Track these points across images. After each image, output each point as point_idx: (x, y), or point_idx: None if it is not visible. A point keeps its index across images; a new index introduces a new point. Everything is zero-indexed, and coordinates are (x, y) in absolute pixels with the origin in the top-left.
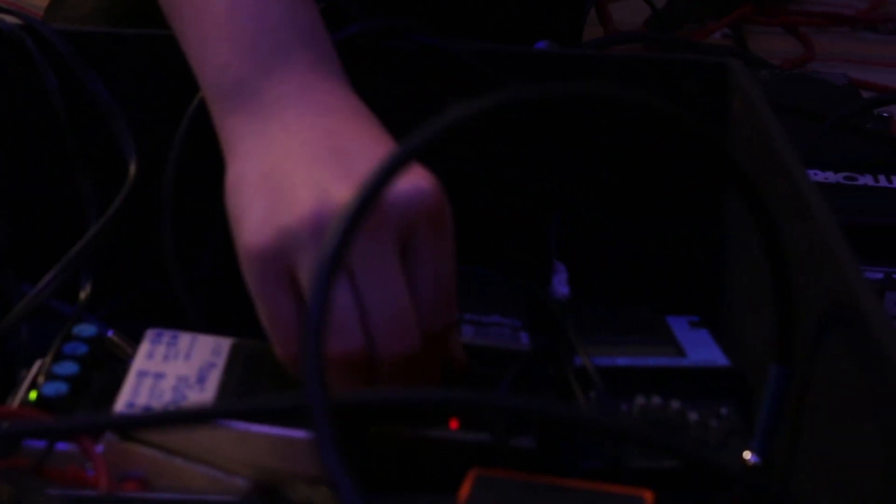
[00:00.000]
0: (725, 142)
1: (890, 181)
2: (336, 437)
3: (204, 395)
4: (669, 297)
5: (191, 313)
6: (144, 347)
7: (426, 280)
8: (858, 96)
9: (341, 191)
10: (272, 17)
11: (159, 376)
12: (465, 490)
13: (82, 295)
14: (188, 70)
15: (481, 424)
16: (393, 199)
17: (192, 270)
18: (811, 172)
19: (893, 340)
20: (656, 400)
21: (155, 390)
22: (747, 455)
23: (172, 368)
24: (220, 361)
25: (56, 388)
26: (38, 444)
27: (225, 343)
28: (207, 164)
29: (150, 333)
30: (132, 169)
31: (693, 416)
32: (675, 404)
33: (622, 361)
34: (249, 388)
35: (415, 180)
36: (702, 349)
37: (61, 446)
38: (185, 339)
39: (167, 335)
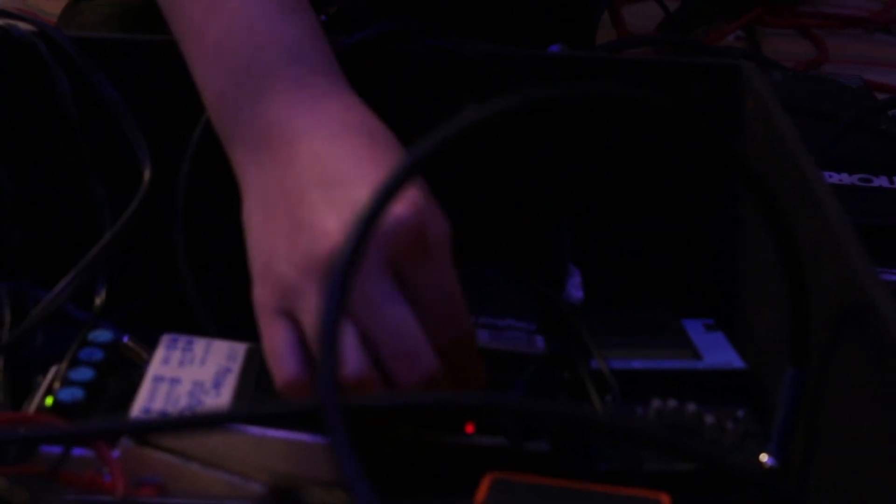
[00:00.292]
0: (739, 144)
1: None
2: (351, 440)
3: (220, 400)
4: (683, 299)
5: (204, 319)
6: (160, 353)
7: (427, 300)
8: (873, 98)
9: (331, 229)
10: (259, 37)
11: (175, 381)
12: (480, 494)
13: (97, 300)
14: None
15: (496, 428)
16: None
17: (205, 276)
18: (825, 174)
19: None
20: (672, 403)
21: (171, 395)
22: (763, 457)
23: (188, 374)
24: (236, 366)
25: (72, 394)
26: (55, 450)
27: (240, 348)
28: (221, 169)
29: (165, 339)
30: (146, 175)
31: (709, 418)
32: (690, 407)
33: (638, 364)
34: (265, 393)
35: (392, 208)
36: (717, 352)
37: (78, 452)
38: (200, 344)
39: (182, 340)
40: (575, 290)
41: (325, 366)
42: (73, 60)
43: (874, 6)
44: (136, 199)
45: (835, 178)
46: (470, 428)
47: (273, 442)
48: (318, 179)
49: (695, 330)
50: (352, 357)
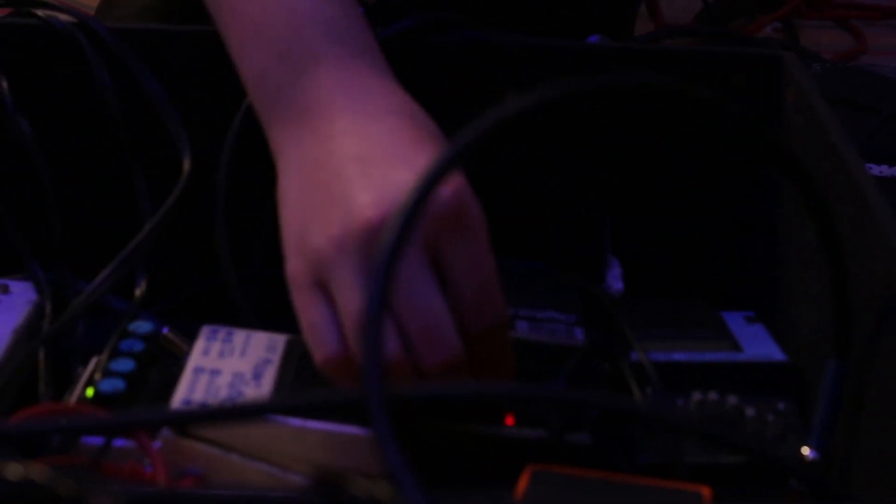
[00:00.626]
0: (781, 135)
1: None
2: (395, 432)
3: (260, 391)
4: (723, 291)
5: (244, 310)
6: (200, 344)
7: (462, 283)
8: None
9: (365, 204)
10: (300, 17)
11: (215, 373)
12: (521, 486)
13: (137, 292)
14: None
15: (537, 421)
16: None
17: (245, 267)
18: (867, 166)
19: None
20: (713, 395)
21: (211, 387)
22: (805, 450)
23: (228, 365)
24: (276, 358)
25: (113, 385)
26: (96, 441)
27: (280, 339)
28: (260, 160)
29: (205, 330)
30: (186, 165)
31: (750, 411)
32: (731, 399)
33: (678, 357)
34: (305, 384)
35: None
36: (758, 344)
37: (119, 443)
38: (240, 335)
39: (222, 332)
40: (615, 281)
41: (368, 357)
42: (113, 51)
43: None
44: (176, 189)
45: (875, 169)
46: (510, 420)
47: (313, 433)
48: (356, 155)
49: (735, 322)
50: (386, 341)
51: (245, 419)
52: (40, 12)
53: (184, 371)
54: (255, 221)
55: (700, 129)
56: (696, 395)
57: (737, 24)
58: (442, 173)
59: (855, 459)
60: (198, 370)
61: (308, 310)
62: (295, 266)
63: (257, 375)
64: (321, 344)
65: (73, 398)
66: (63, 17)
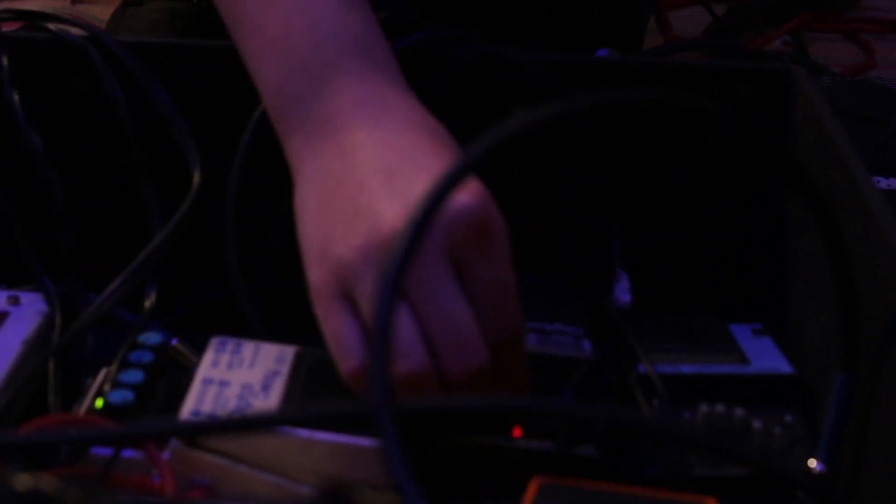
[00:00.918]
0: (789, 148)
1: None
2: (403, 444)
3: (268, 402)
4: (731, 304)
5: (253, 322)
6: (209, 355)
7: (484, 291)
8: None
9: (390, 215)
10: (321, 31)
11: (224, 384)
12: (528, 497)
13: (147, 303)
14: (250, 79)
15: (544, 433)
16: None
17: (254, 279)
18: (874, 179)
19: None
20: (720, 408)
21: (220, 398)
22: (812, 463)
23: (237, 376)
24: (285, 369)
25: (122, 396)
26: (105, 452)
27: (289, 351)
28: (270, 173)
29: (214, 342)
30: (196, 178)
31: (757, 423)
32: (739, 412)
33: (685, 369)
34: (314, 396)
35: (457, 196)
36: (765, 357)
37: (127, 453)
38: (248, 347)
39: (231, 343)
40: (623, 294)
41: (376, 368)
42: (124, 65)
43: None
44: (186, 202)
45: (883, 183)
46: (518, 432)
47: (322, 444)
48: (380, 168)
49: (743, 335)
50: (412, 350)
51: (254, 430)
52: (52, 26)
53: (193, 382)
54: (264, 233)
55: (708, 143)
56: (704, 408)
57: (746, 38)
58: (455, 182)
59: (862, 472)
60: (207, 381)
61: (331, 321)
62: (318, 276)
63: (266, 387)
64: (346, 356)
65: (82, 409)
66: (74, 30)
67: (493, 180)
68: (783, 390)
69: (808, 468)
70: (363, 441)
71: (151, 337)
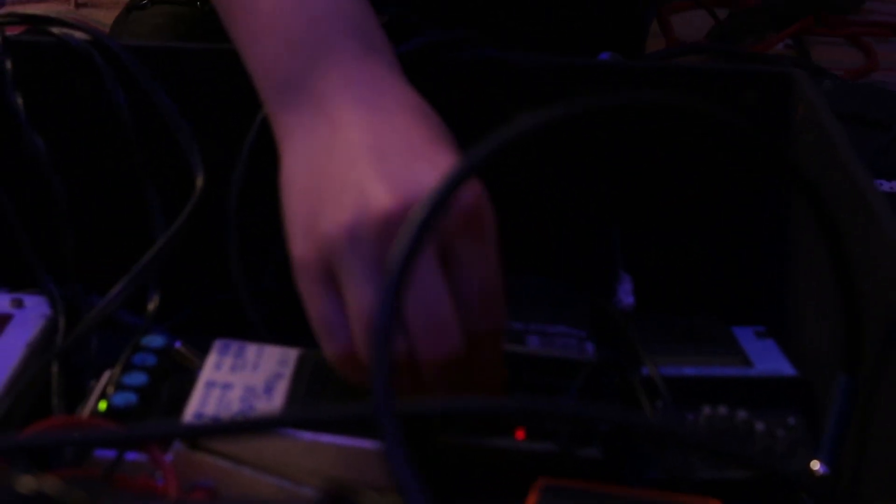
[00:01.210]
0: (791, 151)
1: None
2: (405, 446)
3: (271, 404)
4: (734, 306)
5: (256, 324)
6: (212, 358)
7: (469, 281)
8: None
9: (381, 195)
10: (316, 11)
11: (227, 387)
12: (531, 499)
13: (150, 306)
14: (244, 67)
15: (547, 434)
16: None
17: (257, 282)
18: (876, 182)
19: None
20: (723, 410)
21: (223, 400)
22: (815, 465)
23: (240, 379)
24: (287, 371)
25: (125, 399)
26: (108, 454)
27: (291, 353)
28: (273, 176)
29: (217, 344)
30: (199, 181)
31: (760, 426)
32: (741, 414)
33: (688, 371)
34: (316, 398)
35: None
36: (768, 359)
37: (131, 456)
38: (251, 349)
39: (234, 346)
40: (625, 296)
41: (377, 371)
42: (127, 69)
43: None
44: (189, 205)
45: (885, 185)
46: (521, 434)
47: (325, 447)
48: (372, 146)
49: (746, 337)
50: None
51: (257, 433)
52: (55, 30)
53: (196, 385)
54: (267, 236)
55: (710, 145)
56: (706, 410)
57: (748, 42)
58: (459, 183)
59: (865, 474)
60: (210, 384)
61: (317, 301)
62: (303, 251)
63: (269, 389)
64: (331, 339)
65: (85, 411)
66: (78, 34)
67: (496, 182)
68: (786, 392)
69: (811, 470)
70: (366, 443)
71: (155, 340)
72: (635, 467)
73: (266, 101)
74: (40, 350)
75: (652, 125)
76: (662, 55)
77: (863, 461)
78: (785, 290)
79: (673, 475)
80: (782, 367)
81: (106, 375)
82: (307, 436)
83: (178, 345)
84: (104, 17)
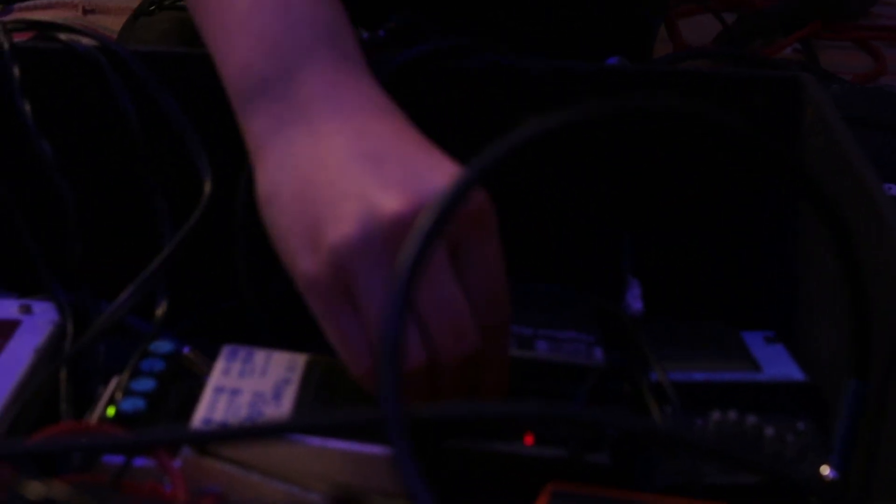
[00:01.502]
0: (800, 156)
1: None
2: (414, 452)
3: (280, 410)
4: (743, 311)
5: (264, 330)
6: (220, 364)
7: (477, 279)
8: None
9: (388, 202)
10: (294, 15)
11: (235, 392)
12: None
13: (158, 312)
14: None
15: (556, 440)
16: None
17: (265, 287)
18: (886, 186)
19: None
20: (732, 415)
21: (231, 406)
22: (825, 470)
23: (248, 384)
24: (296, 377)
25: (133, 404)
26: (117, 460)
27: (299, 359)
28: None
29: (225, 350)
30: (206, 186)
31: (769, 430)
32: (751, 419)
33: (697, 376)
34: (325, 404)
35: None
36: (777, 364)
37: (139, 461)
38: (260, 355)
39: (242, 351)
40: (634, 301)
41: (386, 377)
42: (135, 75)
43: None
44: (197, 211)
45: (894, 189)
46: (530, 439)
47: (333, 452)
48: (363, 153)
49: (755, 342)
50: (412, 348)
51: (265, 438)
52: (63, 36)
53: (204, 390)
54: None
55: (719, 150)
56: (716, 415)
57: (756, 46)
58: (468, 188)
59: (875, 479)
60: (218, 390)
61: (336, 320)
62: (311, 269)
63: (277, 395)
64: (357, 359)
65: (94, 417)
66: (86, 41)
67: (505, 186)
68: (795, 398)
69: (821, 475)
70: (375, 449)
71: (163, 345)
72: (644, 473)
73: (237, 108)
74: (48, 356)
75: (661, 130)
76: (670, 59)
77: (873, 466)
78: (794, 295)
79: (682, 480)
80: (792, 371)
81: (114, 381)
82: (315, 441)
83: (186, 350)
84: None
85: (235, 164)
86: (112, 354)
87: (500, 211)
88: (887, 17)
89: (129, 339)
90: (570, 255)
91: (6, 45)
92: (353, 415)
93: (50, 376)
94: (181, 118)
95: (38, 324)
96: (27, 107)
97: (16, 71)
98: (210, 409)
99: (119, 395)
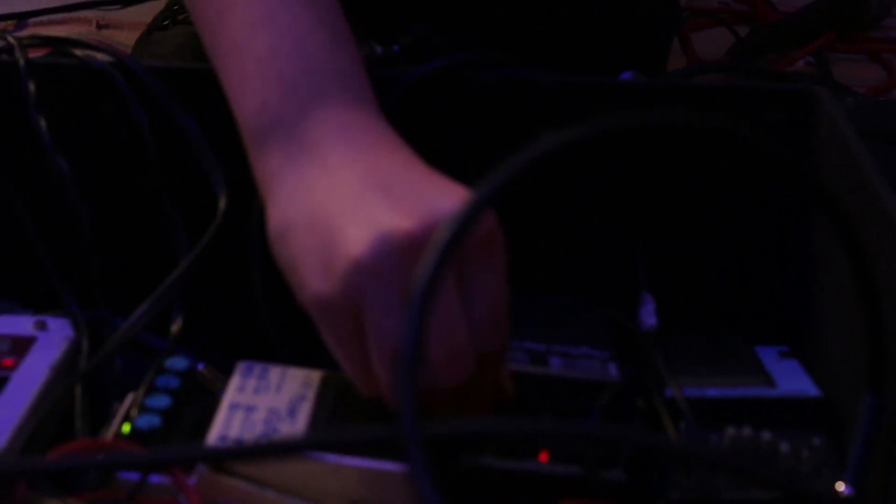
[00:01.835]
0: (814, 170)
1: None
2: (430, 469)
3: (295, 427)
4: (757, 326)
5: (279, 346)
6: (235, 380)
7: (480, 304)
8: None
9: (394, 224)
10: (311, 59)
11: (251, 409)
12: None
13: (174, 328)
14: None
15: (571, 457)
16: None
17: (280, 303)
18: None
19: None
20: (747, 431)
21: (246, 423)
22: (840, 486)
23: (263, 401)
24: (311, 393)
25: (149, 421)
26: (132, 477)
27: (315, 375)
28: None
29: (240, 366)
30: (221, 202)
31: (784, 446)
32: (766, 435)
33: (712, 392)
34: (340, 420)
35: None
36: (792, 379)
37: (154, 478)
38: (275, 371)
39: (258, 368)
40: (649, 317)
41: (404, 395)
42: (150, 90)
43: None
44: (212, 226)
45: None
46: (544, 456)
47: (349, 469)
48: (374, 183)
49: (769, 357)
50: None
51: (280, 455)
52: (78, 52)
53: (219, 407)
54: None
55: (733, 164)
56: (730, 431)
57: (769, 59)
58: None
59: (891, 495)
60: (233, 406)
61: (346, 345)
62: (324, 289)
63: (293, 411)
64: (367, 378)
65: (109, 434)
66: (100, 56)
67: (517, 201)
68: (810, 413)
69: (836, 491)
70: (390, 465)
71: (178, 362)
72: (659, 489)
73: (249, 145)
74: (64, 372)
75: (675, 144)
76: (683, 73)
77: (889, 481)
78: (808, 310)
79: (697, 497)
80: (806, 387)
81: (129, 398)
82: (331, 458)
83: (201, 367)
84: (126, 39)
85: (250, 179)
86: (127, 371)
87: (514, 223)
88: None
89: (144, 356)
90: (584, 269)
91: (22, 61)
92: (369, 431)
93: (65, 392)
94: (196, 133)
95: (53, 340)
96: (42, 122)
97: (31, 87)
98: (225, 425)
99: (134, 412)
